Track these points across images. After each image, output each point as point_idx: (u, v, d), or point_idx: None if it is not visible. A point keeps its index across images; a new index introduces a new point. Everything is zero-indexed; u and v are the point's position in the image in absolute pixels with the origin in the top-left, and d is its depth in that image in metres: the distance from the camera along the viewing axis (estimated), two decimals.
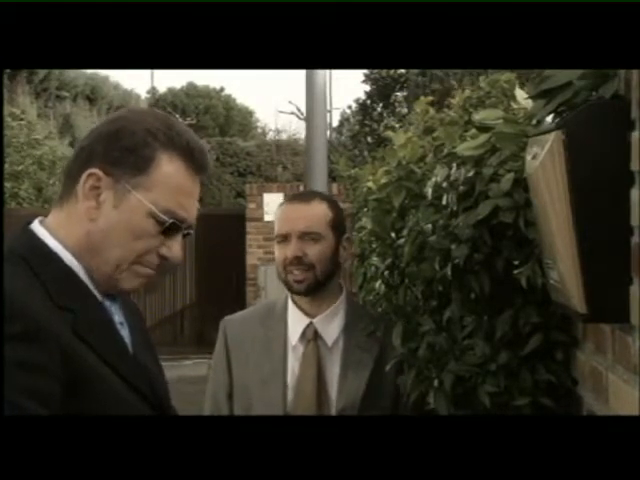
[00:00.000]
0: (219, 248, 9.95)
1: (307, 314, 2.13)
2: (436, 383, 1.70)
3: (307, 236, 2.08)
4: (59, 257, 1.31)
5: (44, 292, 1.24)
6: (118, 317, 1.40)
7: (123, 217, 1.31)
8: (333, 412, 2.07)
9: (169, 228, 1.33)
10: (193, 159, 1.35)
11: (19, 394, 1.11)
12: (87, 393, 1.21)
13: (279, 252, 2.11)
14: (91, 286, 1.34)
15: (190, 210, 1.36)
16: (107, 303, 1.37)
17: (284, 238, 2.10)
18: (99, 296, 1.35)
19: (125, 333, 1.40)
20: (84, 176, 1.31)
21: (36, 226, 1.35)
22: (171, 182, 1.33)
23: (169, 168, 1.33)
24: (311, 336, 2.11)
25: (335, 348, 2.11)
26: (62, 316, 1.24)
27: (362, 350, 2.09)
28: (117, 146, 1.32)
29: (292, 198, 2.22)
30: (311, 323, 2.12)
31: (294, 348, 2.12)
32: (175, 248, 1.36)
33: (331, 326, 2.12)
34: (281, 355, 2.12)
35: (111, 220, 1.31)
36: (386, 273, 2.03)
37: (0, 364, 1.10)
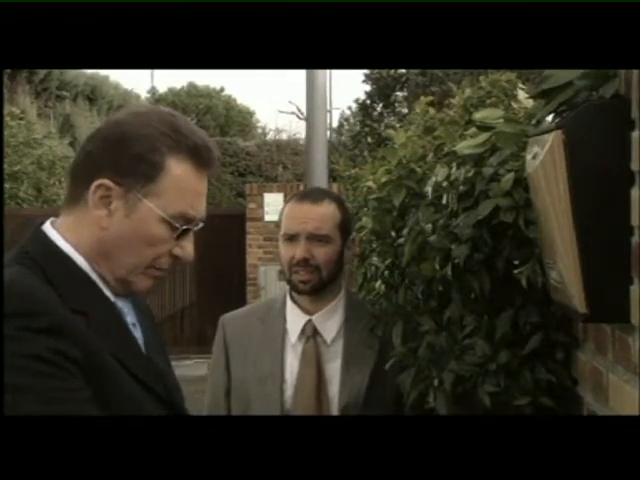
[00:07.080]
0: (219, 248, 9.93)
1: (306, 311, 2.13)
2: (436, 383, 1.70)
3: (315, 238, 2.06)
4: (71, 260, 1.31)
5: (57, 296, 1.24)
6: (130, 318, 1.39)
7: (135, 225, 1.31)
8: (334, 409, 2.06)
9: (182, 231, 1.33)
10: (201, 158, 1.34)
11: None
12: (101, 394, 1.21)
13: (285, 251, 2.09)
14: (103, 288, 1.33)
15: (200, 208, 1.37)
16: (120, 304, 1.37)
17: (292, 238, 2.08)
18: (111, 297, 1.34)
19: (138, 334, 1.39)
20: (93, 186, 1.29)
21: (48, 227, 1.34)
22: (181, 186, 1.32)
23: (178, 172, 1.32)
24: (310, 333, 2.11)
25: (334, 345, 2.11)
26: (75, 319, 1.23)
27: (364, 346, 2.08)
28: (125, 154, 1.30)
29: (303, 197, 2.16)
30: (310, 320, 2.11)
31: (293, 346, 2.12)
32: (188, 247, 1.36)
33: (330, 323, 2.12)
34: (279, 352, 2.11)
35: (124, 228, 1.30)
36: (386, 273, 2.03)
37: (1, 361, 1.10)
